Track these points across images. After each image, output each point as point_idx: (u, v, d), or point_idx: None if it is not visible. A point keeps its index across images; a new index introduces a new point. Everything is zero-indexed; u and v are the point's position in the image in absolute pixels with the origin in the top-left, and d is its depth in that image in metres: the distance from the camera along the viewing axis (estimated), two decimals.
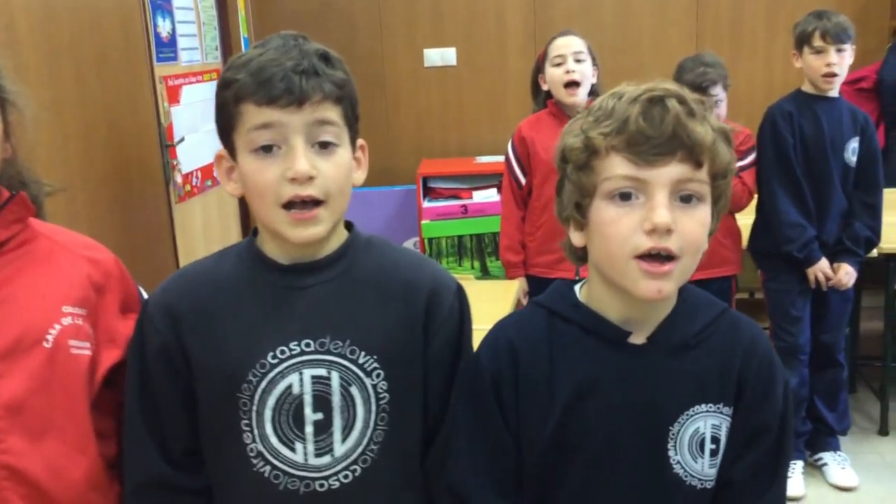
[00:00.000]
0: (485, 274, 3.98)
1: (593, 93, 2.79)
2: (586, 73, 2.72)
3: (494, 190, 3.93)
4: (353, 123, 1.09)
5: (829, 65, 2.64)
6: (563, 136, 1.05)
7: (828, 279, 2.74)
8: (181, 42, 3.49)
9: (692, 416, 1.04)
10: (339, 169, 1.06)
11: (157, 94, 3.17)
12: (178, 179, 3.35)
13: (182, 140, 3.37)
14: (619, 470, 1.04)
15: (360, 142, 1.13)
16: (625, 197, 0.97)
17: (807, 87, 2.76)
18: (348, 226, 1.16)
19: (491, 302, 2.48)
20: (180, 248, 3.29)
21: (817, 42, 2.65)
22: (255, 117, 1.02)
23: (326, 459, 1.07)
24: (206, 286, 1.11)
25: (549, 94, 2.78)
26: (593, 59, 2.77)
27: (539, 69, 2.80)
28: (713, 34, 4.35)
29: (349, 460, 1.08)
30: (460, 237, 4.01)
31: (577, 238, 1.06)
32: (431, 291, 1.12)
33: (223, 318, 1.08)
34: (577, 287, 1.12)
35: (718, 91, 2.76)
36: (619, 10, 4.39)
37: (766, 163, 2.77)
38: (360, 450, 1.08)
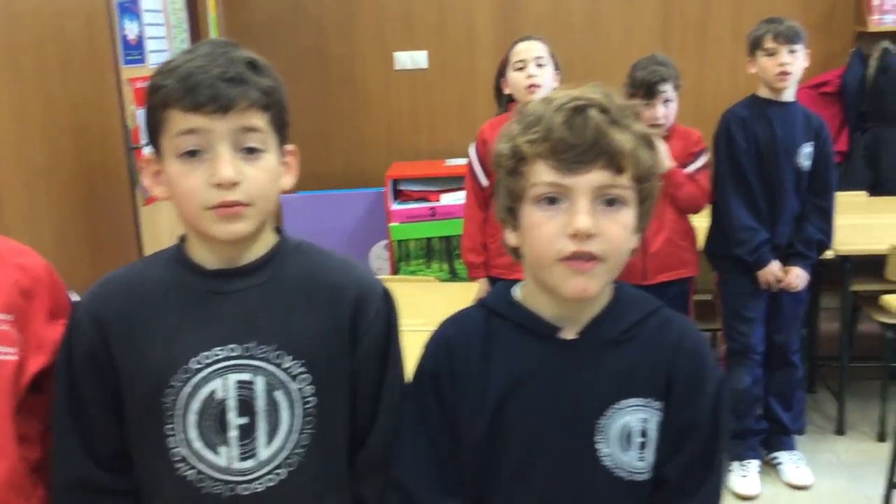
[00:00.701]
0: (453, 276, 4.01)
1: None
2: (547, 78, 2.76)
3: (463, 193, 3.95)
4: (281, 129, 1.12)
5: (781, 64, 2.69)
6: (496, 142, 1.09)
7: (779, 281, 2.80)
8: (149, 44, 3.50)
9: (620, 409, 1.07)
10: (264, 174, 1.08)
11: (122, 97, 3.17)
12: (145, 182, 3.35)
13: (149, 143, 3.37)
14: (550, 462, 1.08)
15: (289, 147, 1.15)
16: (550, 202, 1.02)
17: (762, 92, 2.82)
18: (278, 231, 1.19)
19: (457, 303, 2.50)
20: (147, 251, 3.30)
21: (769, 43, 2.70)
22: (181, 123, 1.05)
23: (250, 463, 1.09)
24: (132, 291, 1.13)
25: (511, 98, 2.81)
26: (555, 65, 2.81)
27: (501, 73, 2.84)
28: (680, 39, 4.40)
29: (273, 464, 1.10)
30: (429, 239, 4.04)
31: (511, 239, 1.11)
32: (358, 296, 1.15)
33: (148, 323, 1.10)
34: (516, 287, 1.15)
35: (668, 89, 2.81)
36: (588, 15, 4.44)
37: (720, 167, 2.83)
38: (284, 453, 1.10)
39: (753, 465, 2.93)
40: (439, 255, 4.05)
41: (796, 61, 2.71)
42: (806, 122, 2.79)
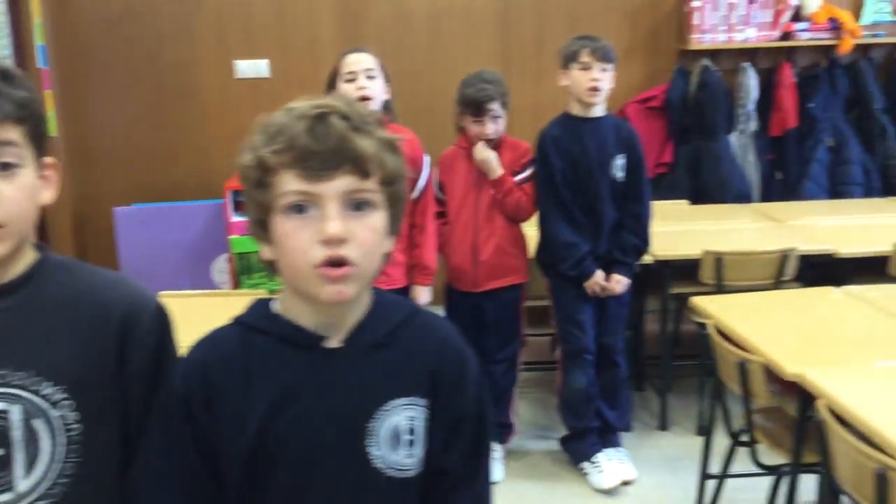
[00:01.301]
0: None
1: (387, 109, 2.87)
2: (378, 90, 2.78)
3: None
4: (39, 142, 1.07)
5: (594, 79, 2.83)
6: (239, 154, 1.09)
7: (603, 289, 2.94)
8: None
9: (388, 410, 1.09)
10: (20, 191, 1.03)
11: None
12: None
13: None
14: (323, 472, 1.08)
15: (48, 160, 1.11)
16: (300, 210, 1.02)
17: (573, 109, 2.95)
18: (40, 249, 1.13)
19: None
20: None
21: (584, 58, 2.84)
22: None
23: (8, 497, 1.04)
24: None
25: None
26: (385, 77, 2.84)
27: (332, 85, 2.84)
28: (519, 54, 4.54)
29: (34, 496, 1.05)
30: None
31: (266, 252, 1.09)
32: (126, 314, 1.12)
33: None
34: (274, 301, 1.15)
35: (496, 107, 2.90)
36: (430, 28, 4.51)
37: (539, 185, 2.96)
38: (46, 484, 1.06)
39: (602, 458, 3.06)
40: None
41: (606, 79, 2.86)
42: (617, 135, 2.95)
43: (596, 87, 2.84)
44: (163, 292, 2.94)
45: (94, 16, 4.34)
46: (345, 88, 2.77)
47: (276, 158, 1.02)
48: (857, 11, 4.45)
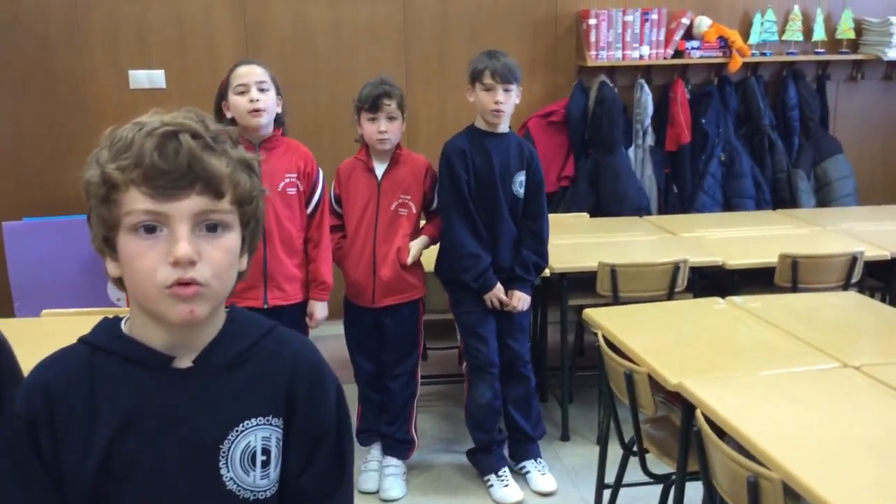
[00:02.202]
0: None
1: (279, 122, 2.83)
2: (270, 103, 2.74)
3: None
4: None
5: (497, 102, 2.86)
6: (85, 168, 1.05)
7: (503, 304, 2.97)
8: None
9: (242, 431, 1.07)
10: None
11: None
12: None
13: None
14: (174, 496, 1.05)
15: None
16: (149, 230, 0.99)
17: (479, 123, 2.99)
18: None
19: None
20: None
21: (487, 80, 2.87)
22: None
23: None
24: None
25: (233, 121, 2.77)
26: (277, 89, 2.80)
27: (222, 96, 2.78)
28: (422, 67, 4.55)
29: None
30: None
31: (112, 269, 1.06)
32: None
33: None
34: (123, 320, 1.11)
35: (392, 105, 2.91)
36: (332, 38, 4.47)
37: (445, 196, 2.97)
38: None
39: (507, 472, 3.07)
40: None
41: (510, 99, 2.91)
42: (519, 152, 2.99)
43: (498, 109, 2.88)
44: (46, 310, 2.87)
45: None
46: (236, 100, 2.72)
47: (122, 175, 0.99)
48: (745, 31, 4.63)
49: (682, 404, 2.13)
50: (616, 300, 3.28)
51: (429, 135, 4.55)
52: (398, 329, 3.04)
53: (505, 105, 2.89)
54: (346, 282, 3.07)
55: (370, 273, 2.98)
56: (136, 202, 0.98)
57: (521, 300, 3.00)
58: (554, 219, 3.29)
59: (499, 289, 2.97)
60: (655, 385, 2.26)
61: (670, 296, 3.29)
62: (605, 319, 2.61)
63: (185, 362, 1.07)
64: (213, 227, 1.01)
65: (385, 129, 2.89)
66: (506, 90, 2.88)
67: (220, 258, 1.01)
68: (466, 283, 2.95)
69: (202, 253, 1.00)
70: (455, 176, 2.93)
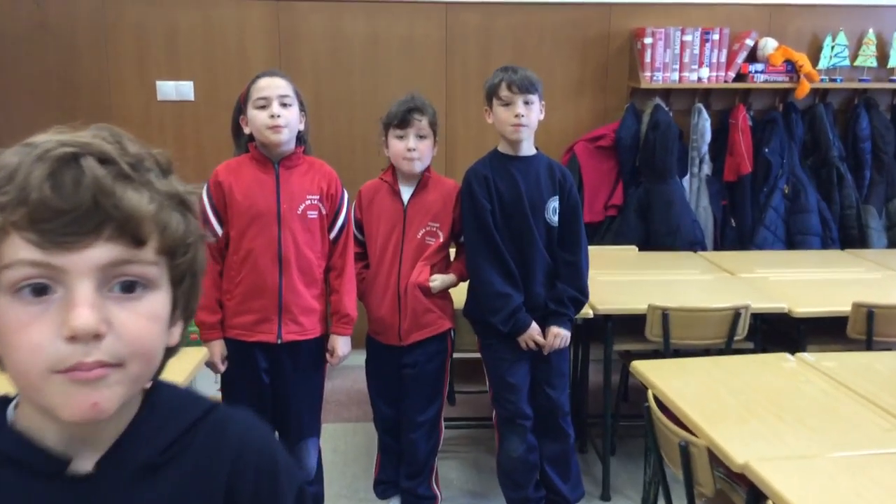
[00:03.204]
0: None
1: (301, 141, 2.58)
2: (292, 118, 2.49)
3: None
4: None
5: (517, 115, 2.56)
6: None
7: (540, 345, 2.66)
8: None
9: None
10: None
11: None
12: None
13: None
14: None
15: None
16: (37, 291, 0.70)
17: (502, 147, 2.69)
18: None
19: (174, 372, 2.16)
20: None
21: (504, 93, 2.58)
22: None
23: None
24: None
25: (252, 138, 2.52)
26: (301, 104, 2.55)
27: (241, 110, 2.54)
28: (462, 86, 4.30)
29: None
30: None
31: None
32: None
33: None
34: (11, 404, 0.81)
35: (423, 122, 2.64)
36: (369, 53, 4.24)
37: (468, 230, 2.67)
38: None
39: None
40: None
41: (532, 113, 2.59)
42: (549, 175, 2.67)
43: (519, 123, 2.57)
44: None
45: (4, 31, 4.00)
46: (256, 115, 2.47)
47: (1, 215, 0.70)
48: (814, 55, 4.27)
49: (748, 486, 1.81)
50: (667, 348, 2.95)
51: (466, 158, 4.27)
52: (423, 368, 2.73)
53: (526, 118, 2.58)
54: (370, 318, 2.78)
55: (395, 308, 2.69)
56: (20, 251, 0.70)
57: (558, 336, 2.67)
58: (598, 251, 2.97)
59: (534, 329, 2.66)
60: (714, 457, 1.93)
61: (728, 345, 2.96)
62: (657, 375, 2.30)
63: (86, 464, 0.77)
64: (129, 287, 0.73)
65: (414, 146, 2.62)
66: (526, 102, 2.57)
67: (138, 329, 0.72)
68: (496, 326, 2.65)
69: (112, 321, 0.71)
70: (478, 206, 2.63)
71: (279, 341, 2.52)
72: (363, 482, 3.11)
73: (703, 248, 4.12)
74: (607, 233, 4.25)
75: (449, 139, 4.27)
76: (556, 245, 2.68)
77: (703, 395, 2.17)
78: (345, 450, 3.46)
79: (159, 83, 4.13)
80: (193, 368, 2.31)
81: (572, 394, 3.02)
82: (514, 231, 2.64)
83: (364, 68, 4.24)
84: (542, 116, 2.64)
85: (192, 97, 4.15)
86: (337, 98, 4.22)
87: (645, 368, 2.38)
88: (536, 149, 2.71)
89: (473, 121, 4.26)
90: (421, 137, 2.63)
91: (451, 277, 2.72)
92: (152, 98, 4.13)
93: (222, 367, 2.56)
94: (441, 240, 2.70)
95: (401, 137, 2.63)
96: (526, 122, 2.57)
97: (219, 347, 2.53)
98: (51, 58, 4.06)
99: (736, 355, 2.74)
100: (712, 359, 2.57)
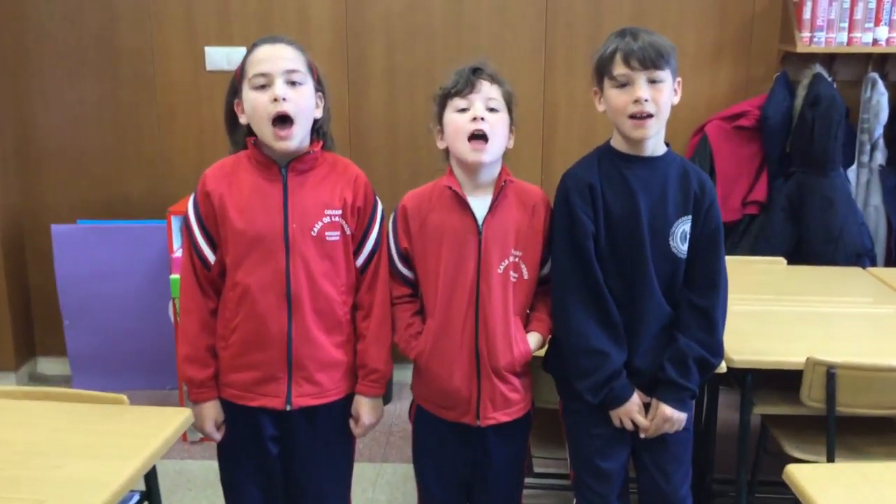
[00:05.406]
0: None
1: (319, 133, 1.89)
2: (305, 104, 1.81)
3: None
4: None
5: (637, 101, 1.78)
6: None
7: (641, 425, 1.90)
8: None
9: None
10: None
11: None
12: None
13: None
14: None
15: None
16: None
17: (616, 142, 1.91)
18: None
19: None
20: None
21: (619, 69, 1.80)
22: None
23: None
24: None
25: (250, 132, 1.85)
26: (318, 82, 1.86)
27: (235, 92, 1.88)
28: (566, 55, 3.55)
29: None
30: None
31: None
32: None
33: None
34: None
35: (493, 91, 1.86)
36: (450, 15, 3.54)
37: (559, 258, 1.90)
38: None
39: None
40: None
41: (661, 96, 1.80)
42: (683, 185, 1.87)
43: (641, 111, 1.79)
44: None
45: None
46: (252, 99, 1.80)
47: None
48: None
49: None
50: (831, 415, 2.14)
51: (568, 146, 3.54)
52: (507, 457, 2.00)
53: (653, 105, 1.79)
54: (431, 387, 2.00)
55: (473, 375, 1.92)
56: None
57: (668, 421, 1.90)
58: (734, 264, 2.09)
59: (633, 404, 1.90)
60: None
61: None
62: (821, 490, 1.51)
63: None
64: None
65: (480, 113, 1.84)
66: (652, 81, 1.79)
67: None
68: (582, 394, 1.91)
69: None
70: (576, 226, 1.86)
71: (288, 408, 1.86)
72: None
73: (873, 262, 3.31)
74: (745, 236, 3.43)
75: (546, 127, 3.55)
76: (683, 284, 1.90)
77: None
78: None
79: (208, 50, 3.60)
80: (171, 434, 1.68)
81: (694, 451, 2.22)
82: (624, 263, 1.86)
83: (445, 35, 3.56)
84: (676, 100, 1.85)
85: None
86: (412, 69, 3.57)
87: (805, 479, 1.59)
88: (667, 145, 1.92)
89: (580, 103, 3.52)
90: (491, 110, 1.87)
91: (537, 338, 1.97)
92: (200, 67, 3.62)
93: (217, 436, 1.93)
94: (526, 277, 1.93)
95: (463, 110, 1.88)
96: (652, 111, 1.79)
97: (212, 411, 1.90)
98: (88, 21, 3.59)
99: None
100: None
